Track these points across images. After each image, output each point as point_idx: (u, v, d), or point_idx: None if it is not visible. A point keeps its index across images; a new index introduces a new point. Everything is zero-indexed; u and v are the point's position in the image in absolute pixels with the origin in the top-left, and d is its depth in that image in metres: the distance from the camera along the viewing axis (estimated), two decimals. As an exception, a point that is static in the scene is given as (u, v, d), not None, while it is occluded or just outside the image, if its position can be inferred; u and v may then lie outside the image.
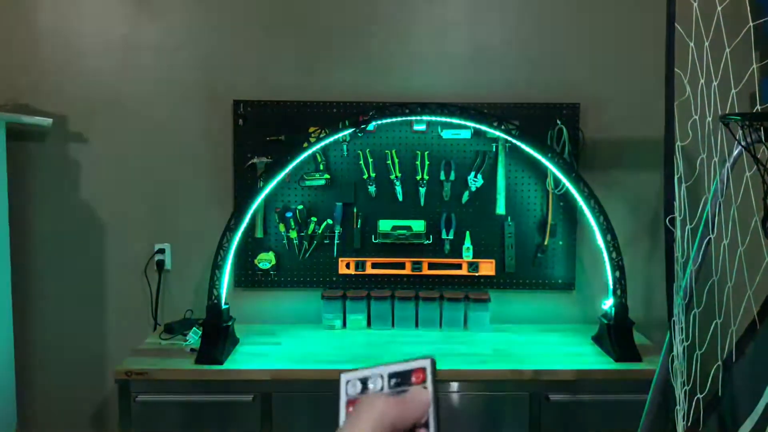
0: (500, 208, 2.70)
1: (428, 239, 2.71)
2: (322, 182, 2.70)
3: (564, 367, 2.28)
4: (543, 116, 2.68)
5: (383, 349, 2.46)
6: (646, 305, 2.73)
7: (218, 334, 2.35)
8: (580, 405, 2.28)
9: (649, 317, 2.70)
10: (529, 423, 2.28)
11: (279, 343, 2.52)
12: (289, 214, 2.70)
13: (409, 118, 2.60)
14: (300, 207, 2.71)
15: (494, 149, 2.70)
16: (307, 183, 2.70)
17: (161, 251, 2.77)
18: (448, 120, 2.56)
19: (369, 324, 2.71)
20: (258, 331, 2.66)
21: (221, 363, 2.28)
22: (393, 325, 2.70)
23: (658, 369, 1.58)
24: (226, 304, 2.42)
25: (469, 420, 2.30)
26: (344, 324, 2.70)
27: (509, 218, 2.72)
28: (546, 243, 2.72)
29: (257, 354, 2.41)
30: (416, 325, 2.70)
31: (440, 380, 2.26)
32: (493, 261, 2.73)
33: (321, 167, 2.69)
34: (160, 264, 2.77)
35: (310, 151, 2.52)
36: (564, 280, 2.77)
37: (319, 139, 2.49)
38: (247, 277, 2.77)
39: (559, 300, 2.81)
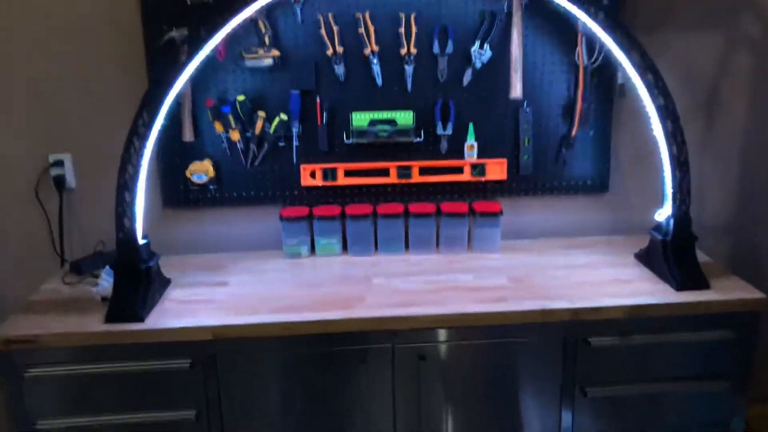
0: (515, 91, 2.05)
1: (419, 136, 2.09)
2: (270, 62, 1.97)
3: (610, 303, 1.70)
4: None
5: (365, 283, 1.86)
6: (698, 210, 2.15)
7: (135, 280, 1.71)
8: (629, 350, 1.75)
9: (702, 225, 2.14)
10: (563, 375, 1.75)
11: (226, 283, 1.91)
12: (226, 109, 1.99)
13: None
14: (241, 98, 2.00)
15: (505, 9, 2.02)
16: (249, 64, 1.97)
17: (59, 164, 2.07)
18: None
19: (345, 249, 2.13)
20: (198, 265, 2.05)
21: (141, 320, 1.66)
22: (376, 249, 2.14)
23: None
24: (145, 237, 1.75)
25: (483, 376, 1.76)
26: (312, 250, 2.11)
27: (525, 103, 2.10)
28: (573, 134, 2.11)
29: (195, 301, 1.78)
30: (406, 248, 2.15)
31: (441, 327, 1.72)
32: (505, 161, 2.14)
33: (267, 41, 1.95)
34: (59, 180, 2.08)
35: (245, 12, 1.75)
36: (595, 180, 2.20)
37: (259, -4, 1.73)
38: (179, 195, 2.11)
39: (589, 206, 2.26)
